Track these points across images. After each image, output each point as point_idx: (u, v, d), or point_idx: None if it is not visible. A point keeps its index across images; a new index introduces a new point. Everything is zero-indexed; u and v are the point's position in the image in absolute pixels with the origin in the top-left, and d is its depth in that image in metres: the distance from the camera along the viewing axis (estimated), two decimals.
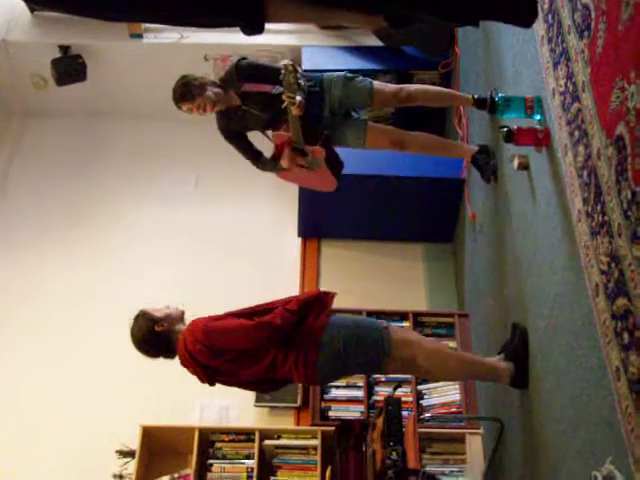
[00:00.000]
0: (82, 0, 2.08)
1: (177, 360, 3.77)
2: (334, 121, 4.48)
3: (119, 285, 5.81)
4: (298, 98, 3.92)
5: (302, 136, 4.20)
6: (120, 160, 6.66)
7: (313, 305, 3.74)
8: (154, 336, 3.70)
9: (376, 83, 4.51)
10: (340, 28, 6.26)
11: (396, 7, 2.27)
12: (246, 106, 4.35)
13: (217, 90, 4.34)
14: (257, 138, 4.62)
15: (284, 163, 4.35)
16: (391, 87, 4.56)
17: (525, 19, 2.72)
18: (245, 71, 4.33)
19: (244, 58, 4.41)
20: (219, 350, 3.59)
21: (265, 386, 3.95)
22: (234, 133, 4.53)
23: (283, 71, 3.76)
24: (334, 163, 4.46)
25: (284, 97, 3.88)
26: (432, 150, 4.74)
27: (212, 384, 3.78)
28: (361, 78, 4.53)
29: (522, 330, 3.71)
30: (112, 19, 2.77)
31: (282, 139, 4.31)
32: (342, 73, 4.52)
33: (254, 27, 2.19)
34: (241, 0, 2.11)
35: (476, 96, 4.34)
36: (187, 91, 4.27)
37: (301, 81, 3.85)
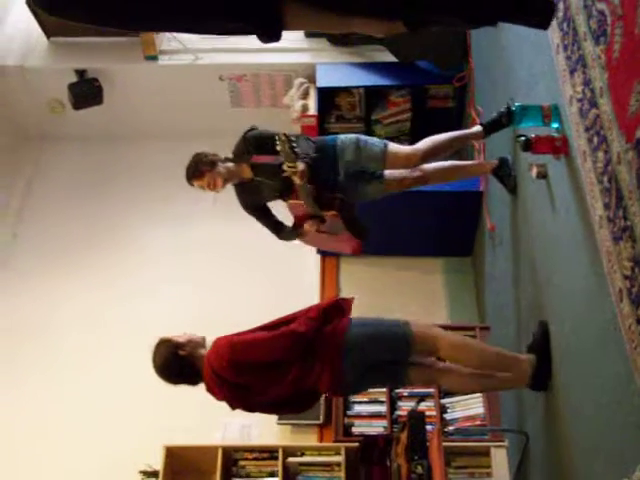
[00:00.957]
0: (109, 12, 2.09)
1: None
2: (350, 182, 4.38)
3: (137, 306, 5.83)
4: (300, 167, 3.88)
5: (315, 203, 4.18)
6: (137, 181, 6.69)
7: (333, 312, 3.75)
8: (178, 360, 3.68)
9: (390, 146, 4.41)
10: (351, 45, 6.30)
11: (415, 11, 2.27)
12: (258, 177, 4.30)
13: (229, 165, 4.29)
14: (281, 207, 4.57)
15: (303, 233, 4.40)
16: (405, 150, 4.45)
17: (542, 20, 2.72)
18: (253, 143, 4.26)
19: (252, 129, 4.32)
20: (245, 365, 3.58)
21: (294, 406, 3.89)
22: (253, 205, 4.50)
23: (278, 142, 3.70)
24: (354, 225, 4.40)
25: (284, 167, 3.82)
26: (454, 176, 4.71)
27: (242, 407, 3.75)
28: (374, 140, 4.45)
29: (544, 326, 3.70)
30: (133, 29, 2.79)
31: (297, 208, 4.29)
32: (355, 136, 4.42)
33: (271, 34, 2.19)
34: (258, 7, 2.11)
35: (485, 122, 4.33)
36: (196, 168, 4.26)
37: (298, 149, 3.77)
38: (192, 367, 3.70)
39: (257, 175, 4.30)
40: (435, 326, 3.82)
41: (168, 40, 6.53)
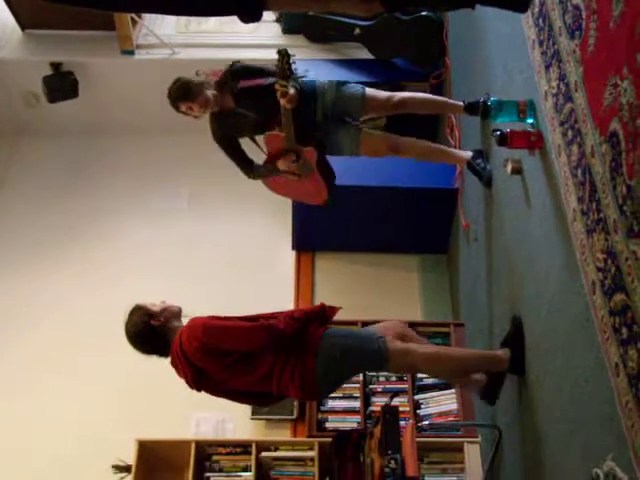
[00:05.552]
0: None
1: (172, 374, 3.68)
2: (327, 126, 4.47)
3: (111, 300, 5.74)
4: (291, 90, 3.95)
5: (294, 134, 4.20)
6: (112, 176, 6.66)
7: (316, 317, 3.73)
8: (149, 330, 3.59)
9: (368, 89, 4.53)
10: (328, 41, 6.31)
11: None
12: (240, 107, 4.35)
13: (213, 91, 4.35)
14: (251, 148, 4.61)
15: (275, 169, 4.41)
16: (383, 93, 4.58)
17: (520, 3, 2.74)
18: (240, 71, 4.36)
19: (238, 62, 4.44)
20: (216, 350, 3.51)
21: (255, 399, 3.91)
22: (226, 137, 4.52)
23: (277, 56, 3.77)
24: (325, 170, 4.45)
25: (276, 86, 3.89)
26: (428, 156, 4.74)
27: (199, 389, 3.69)
28: (353, 84, 4.55)
29: (517, 320, 3.73)
30: (110, 8, 2.77)
31: (274, 140, 4.30)
32: (334, 80, 4.53)
33: (252, 13, 2.18)
34: None
35: (467, 102, 4.37)
36: (188, 90, 4.26)
37: (295, 66, 3.86)
38: (163, 338, 3.61)
39: (240, 105, 4.32)
40: (410, 343, 3.81)
41: (145, 34, 6.50)
